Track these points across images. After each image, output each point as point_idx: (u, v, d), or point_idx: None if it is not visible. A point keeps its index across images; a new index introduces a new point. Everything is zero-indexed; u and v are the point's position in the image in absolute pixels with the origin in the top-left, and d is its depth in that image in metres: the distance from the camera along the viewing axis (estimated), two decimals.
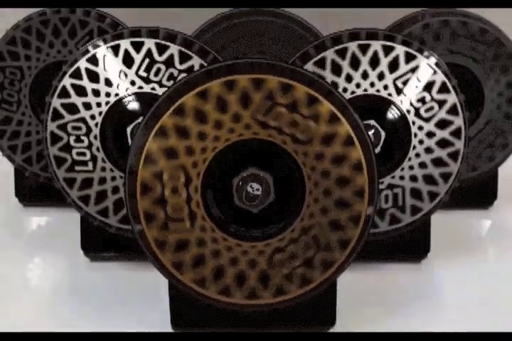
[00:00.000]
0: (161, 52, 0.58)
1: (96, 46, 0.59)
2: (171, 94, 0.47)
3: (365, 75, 0.58)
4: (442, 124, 0.58)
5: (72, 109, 0.58)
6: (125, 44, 0.58)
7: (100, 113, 0.58)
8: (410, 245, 0.61)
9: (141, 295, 0.56)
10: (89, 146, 0.58)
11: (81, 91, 0.58)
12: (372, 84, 0.58)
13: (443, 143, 0.58)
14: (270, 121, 0.47)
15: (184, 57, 0.59)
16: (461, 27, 0.68)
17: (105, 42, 0.59)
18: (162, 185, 0.47)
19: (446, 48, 0.68)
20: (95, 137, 0.58)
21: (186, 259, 0.47)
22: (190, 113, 0.46)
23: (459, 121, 0.58)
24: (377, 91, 0.58)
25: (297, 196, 0.47)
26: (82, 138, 0.58)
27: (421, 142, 0.58)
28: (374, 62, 0.58)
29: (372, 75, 0.58)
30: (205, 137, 0.47)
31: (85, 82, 0.58)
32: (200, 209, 0.47)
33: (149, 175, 0.47)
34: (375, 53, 0.58)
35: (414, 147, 0.58)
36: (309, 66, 0.57)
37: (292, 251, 0.47)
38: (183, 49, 0.59)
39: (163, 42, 0.59)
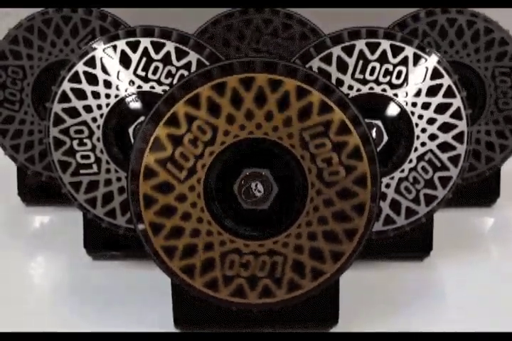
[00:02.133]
0: (157, 50, 0.58)
1: (92, 49, 0.59)
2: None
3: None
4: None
5: (73, 112, 0.58)
6: (121, 44, 0.58)
7: (101, 115, 0.58)
8: (413, 243, 0.61)
9: (144, 294, 0.56)
10: (93, 149, 0.58)
11: (81, 94, 0.58)
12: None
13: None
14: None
15: (181, 54, 0.59)
16: (467, 26, 0.69)
17: (101, 44, 0.59)
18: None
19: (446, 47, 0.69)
20: (98, 139, 0.58)
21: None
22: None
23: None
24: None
25: (300, 191, 0.47)
26: (85, 141, 0.58)
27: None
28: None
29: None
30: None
31: (84, 85, 0.58)
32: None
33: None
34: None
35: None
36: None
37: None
38: (179, 45, 0.59)
39: (158, 40, 0.59)
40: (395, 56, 0.58)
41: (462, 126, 0.58)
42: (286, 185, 0.47)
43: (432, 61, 0.58)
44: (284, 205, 0.48)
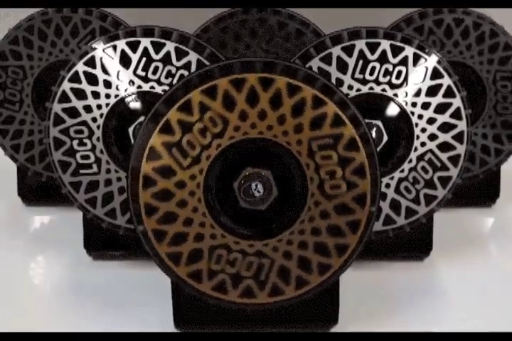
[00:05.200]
0: (157, 51, 0.58)
1: (92, 49, 0.59)
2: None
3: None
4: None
5: (73, 112, 0.58)
6: (121, 44, 0.58)
7: (101, 115, 0.58)
8: (413, 243, 0.61)
9: (144, 294, 0.56)
10: (93, 149, 0.59)
11: (81, 94, 0.58)
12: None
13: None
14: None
15: (181, 54, 0.59)
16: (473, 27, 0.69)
17: (101, 44, 0.59)
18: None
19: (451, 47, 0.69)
20: (98, 139, 0.58)
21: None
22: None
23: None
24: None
25: (299, 187, 0.47)
26: (85, 141, 0.58)
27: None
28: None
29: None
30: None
31: (84, 85, 0.58)
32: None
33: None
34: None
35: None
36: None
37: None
38: (179, 45, 0.59)
39: (158, 40, 0.59)
40: (394, 56, 0.58)
41: (462, 125, 0.58)
42: (286, 190, 0.47)
43: (431, 61, 0.58)
44: (287, 195, 0.48)
